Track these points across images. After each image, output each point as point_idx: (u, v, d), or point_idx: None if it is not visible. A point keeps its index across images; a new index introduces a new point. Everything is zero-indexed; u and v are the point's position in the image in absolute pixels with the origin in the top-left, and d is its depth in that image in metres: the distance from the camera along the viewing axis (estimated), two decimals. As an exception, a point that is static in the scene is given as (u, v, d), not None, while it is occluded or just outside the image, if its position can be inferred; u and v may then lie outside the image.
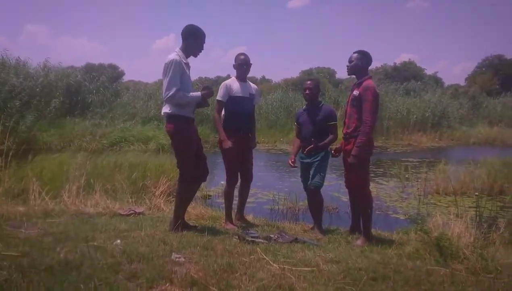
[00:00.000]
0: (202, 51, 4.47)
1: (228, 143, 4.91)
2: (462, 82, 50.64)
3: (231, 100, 5.00)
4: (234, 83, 5.05)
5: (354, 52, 4.63)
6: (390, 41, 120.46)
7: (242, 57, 5.09)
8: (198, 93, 4.30)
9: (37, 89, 17.19)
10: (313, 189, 5.00)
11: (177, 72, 4.15)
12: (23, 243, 3.56)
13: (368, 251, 4.12)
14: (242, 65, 5.08)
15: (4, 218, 4.62)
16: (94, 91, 20.32)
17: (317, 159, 5.01)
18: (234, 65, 5.13)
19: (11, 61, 19.28)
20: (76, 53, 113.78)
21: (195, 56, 4.44)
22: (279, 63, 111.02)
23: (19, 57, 19.74)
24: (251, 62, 5.15)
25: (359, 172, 4.52)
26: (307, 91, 5.13)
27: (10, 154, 5.71)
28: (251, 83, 5.26)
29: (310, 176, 5.02)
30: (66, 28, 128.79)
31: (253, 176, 5.35)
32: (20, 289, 2.58)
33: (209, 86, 4.55)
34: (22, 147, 7.01)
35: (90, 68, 28.93)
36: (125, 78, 44.73)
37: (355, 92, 4.49)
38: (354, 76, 4.68)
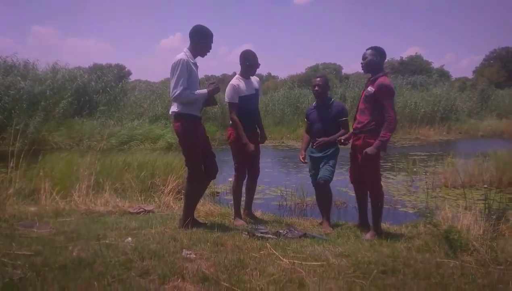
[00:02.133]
0: (210, 51, 4.49)
1: (251, 147, 4.93)
2: (470, 75, 50.35)
3: (241, 100, 4.99)
4: (240, 83, 5.02)
5: (368, 49, 4.61)
6: (397, 35, 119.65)
7: (252, 57, 5.06)
8: (205, 91, 4.33)
9: (46, 91, 17.28)
10: (323, 182, 5.02)
11: (185, 71, 4.18)
12: (36, 242, 3.63)
13: (378, 244, 4.13)
14: (254, 67, 5.10)
15: (16, 218, 4.68)
16: (101, 91, 20.41)
17: (327, 153, 5.04)
18: (241, 63, 5.09)
19: (19, 64, 19.44)
20: (83, 54, 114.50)
21: (203, 56, 4.47)
22: (285, 60, 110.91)
23: (28, 59, 19.90)
24: (259, 62, 5.15)
25: (372, 167, 4.52)
26: (316, 88, 5.13)
27: (22, 155, 5.76)
28: (252, 78, 5.20)
29: (320, 170, 5.04)
30: (74, 29, 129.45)
31: (261, 172, 5.39)
32: (34, 288, 2.63)
33: (215, 82, 4.57)
34: (32, 148, 7.07)
35: (97, 68, 29.07)
36: (132, 77, 45.13)
37: (370, 89, 4.48)
38: (369, 73, 4.64)
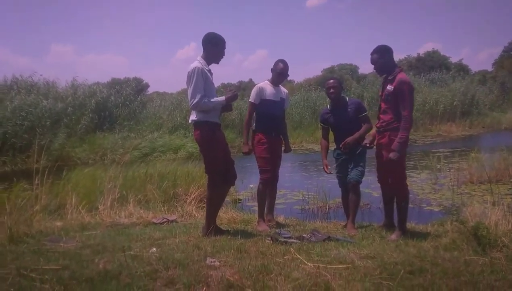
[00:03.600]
0: (223, 57, 4.52)
1: (246, 148, 5.16)
2: (490, 68, 49.34)
3: (263, 103, 5.14)
4: (266, 87, 5.18)
5: (372, 53, 4.60)
6: (412, 31, 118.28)
7: (281, 65, 5.20)
8: (223, 98, 4.36)
9: (68, 109, 17.64)
10: (354, 183, 4.98)
11: (200, 79, 4.21)
12: (63, 256, 3.68)
13: (404, 245, 4.06)
14: (281, 74, 5.22)
15: (43, 234, 4.76)
16: (121, 105, 20.72)
17: (355, 155, 5.00)
18: (272, 70, 5.24)
19: (40, 83, 19.93)
20: (101, 69, 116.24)
21: (217, 62, 4.51)
22: (301, 63, 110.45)
23: (48, 78, 20.40)
24: (288, 72, 5.27)
25: (397, 167, 4.47)
26: (331, 90, 5.10)
27: (46, 172, 5.88)
28: (282, 88, 5.37)
29: (349, 171, 5.00)
30: (91, 46, 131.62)
31: (282, 177, 5.42)
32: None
33: (234, 89, 4.61)
34: (56, 164, 7.20)
35: (115, 83, 29.51)
36: (150, 90, 45.57)
37: (389, 88, 4.44)
38: (385, 74, 4.61)
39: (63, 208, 6.12)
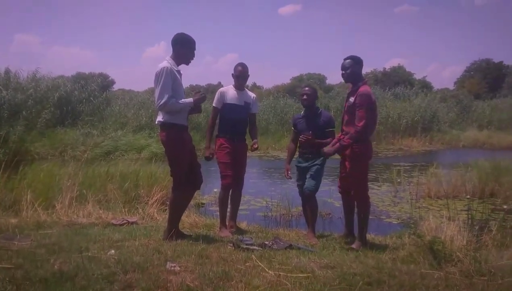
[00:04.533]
0: (193, 58, 4.49)
1: (207, 152, 5.15)
2: (451, 86, 51.20)
3: (225, 107, 5.14)
4: (229, 91, 5.19)
5: (346, 59, 4.67)
6: (380, 46, 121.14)
7: (239, 68, 5.22)
8: (191, 99, 4.31)
9: (28, 102, 17.05)
10: (308, 193, 5.02)
11: (169, 79, 4.15)
12: (16, 255, 3.54)
13: (363, 256, 4.14)
14: (239, 77, 5.22)
15: (-4, 230, 4.58)
16: (84, 100, 20.24)
17: (314, 164, 5.05)
18: (232, 74, 5.25)
19: (0, 72, 19.17)
20: (67, 62, 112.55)
21: (187, 64, 4.46)
22: (270, 70, 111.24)
23: (8, 68, 19.59)
24: (248, 73, 5.28)
25: (359, 177, 4.55)
26: (304, 97, 5.16)
27: (2, 165, 5.66)
28: (249, 92, 5.36)
29: (306, 181, 5.05)
30: (58, 37, 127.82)
31: (246, 183, 5.41)
32: (14, 302, 2.57)
33: (202, 91, 4.58)
34: (14, 158, 6.94)
35: (80, 77, 28.83)
36: (116, 86, 44.71)
37: (351, 99, 4.53)
38: (350, 82, 4.70)
39: (18, 204, 5.89)
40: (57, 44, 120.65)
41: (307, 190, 5.02)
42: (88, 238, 4.42)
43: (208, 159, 5.15)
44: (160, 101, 4.14)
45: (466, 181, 8.85)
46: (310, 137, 4.98)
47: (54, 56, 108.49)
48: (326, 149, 4.53)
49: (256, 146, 5.19)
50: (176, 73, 4.26)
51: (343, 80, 4.87)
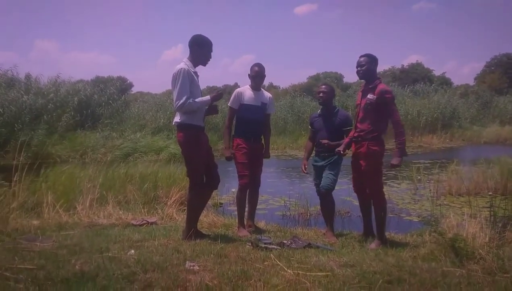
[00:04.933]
0: (210, 59, 4.50)
1: (228, 152, 5.14)
2: (472, 82, 50.34)
3: (242, 108, 5.12)
4: (246, 91, 5.16)
5: (362, 56, 4.65)
6: (398, 43, 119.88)
7: (256, 68, 5.19)
8: (208, 97, 4.33)
9: (48, 106, 17.35)
10: (324, 191, 5.00)
11: (186, 81, 4.18)
12: (39, 256, 3.61)
13: (383, 254, 4.10)
14: (255, 77, 5.19)
15: (19, 232, 4.67)
16: (104, 103, 20.50)
17: (330, 162, 5.02)
18: (248, 75, 5.22)
19: (20, 77, 19.57)
20: (85, 66, 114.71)
21: (204, 65, 4.48)
22: (286, 70, 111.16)
23: (29, 73, 20.01)
24: (265, 73, 5.25)
25: (374, 175, 4.52)
26: (321, 94, 5.14)
27: (25, 168, 5.76)
28: (265, 92, 5.34)
29: (322, 179, 5.02)
30: (76, 42, 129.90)
31: (264, 182, 5.40)
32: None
33: (219, 89, 4.60)
34: (35, 161, 7.06)
35: (99, 81, 29.23)
36: (134, 89, 45.32)
37: (371, 96, 4.50)
38: (364, 80, 4.69)
39: (40, 206, 6.00)
40: (75, 49, 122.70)
41: (323, 188, 5.00)
42: (109, 238, 4.48)
43: (229, 159, 5.14)
44: (179, 102, 4.17)
45: (488, 178, 8.69)
46: (325, 143, 5.01)
47: (72, 61, 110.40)
48: (395, 161, 4.43)
49: (268, 156, 5.36)
50: (193, 74, 4.28)
51: (358, 78, 4.85)
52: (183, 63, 4.28)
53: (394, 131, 4.47)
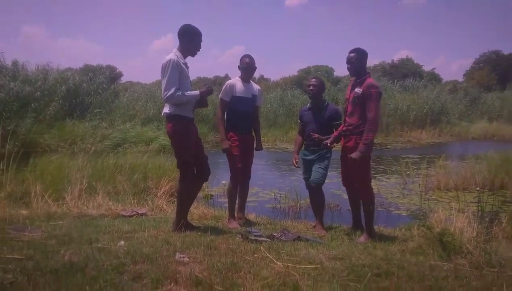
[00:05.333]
0: (199, 50, 4.46)
1: (226, 144, 5.04)
2: (461, 78, 50.73)
3: (234, 100, 5.07)
4: (237, 83, 5.12)
5: (351, 52, 4.64)
6: (388, 38, 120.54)
7: (247, 60, 5.16)
8: (197, 92, 4.30)
9: (36, 93, 17.13)
10: (314, 185, 5.01)
11: (175, 72, 4.15)
12: (27, 246, 3.58)
13: (371, 247, 4.14)
14: (246, 69, 5.15)
15: (8, 221, 4.63)
16: (93, 92, 20.29)
17: (320, 156, 5.04)
18: (239, 67, 5.19)
19: (7, 64, 19.27)
20: (74, 54, 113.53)
21: (193, 55, 4.44)
22: (277, 62, 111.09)
23: (16, 60, 19.68)
24: (255, 65, 5.22)
25: (362, 169, 4.53)
26: (311, 88, 5.14)
27: (12, 157, 5.70)
28: (254, 84, 5.30)
29: (312, 173, 5.04)
30: (64, 29, 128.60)
31: (254, 175, 5.41)
32: (25, 292, 2.59)
33: (209, 84, 4.57)
34: (23, 150, 7.00)
35: (88, 70, 28.88)
36: (123, 79, 44.91)
37: (358, 90, 4.50)
38: (355, 75, 4.68)
39: (28, 196, 5.95)
40: (63, 36, 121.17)
41: (313, 182, 5.01)
42: (98, 229, 4.45)
43: (227, 151, 5.04)
44: (167, 93, 4.14)
45: (476, 173, 8.79)
46: (316, 137, 5.02)
47: (60, 48, 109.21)
48: (355, 155, 4.38)
49: (260, 148, 5.37)
50: (182, 65, 4.25)
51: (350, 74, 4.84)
52: (173, 54, 4.24)
53: (366, 126, 4.39)
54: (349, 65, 4.66)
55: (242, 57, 5.21)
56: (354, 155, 4.41)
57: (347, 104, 4.72)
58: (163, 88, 4.19)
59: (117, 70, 46.78)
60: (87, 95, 20.05)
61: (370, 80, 4.51)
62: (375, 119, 4.41)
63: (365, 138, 4.39)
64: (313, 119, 5.15)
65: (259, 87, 5.38)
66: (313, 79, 5.24)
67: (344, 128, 4.71)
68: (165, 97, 4.17)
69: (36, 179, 6.26)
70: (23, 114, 15.72)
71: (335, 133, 4.89)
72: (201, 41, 4.45)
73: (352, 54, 4.63)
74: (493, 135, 23.54)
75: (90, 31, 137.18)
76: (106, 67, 35.55)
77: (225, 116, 5.18)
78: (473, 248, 3.66)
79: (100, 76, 22.33)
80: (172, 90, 4.12)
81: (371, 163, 4.71)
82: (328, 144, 4.86)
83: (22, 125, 14.80)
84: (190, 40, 4.36)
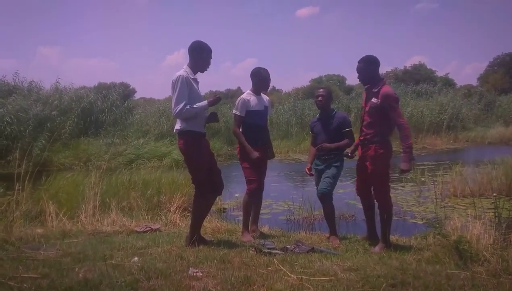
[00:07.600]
0: (209, 66, 4.51)
1: (256, 154, 5.00)
2: (475, 83, 50.20)
3: (249, 114, 5.08)
4: (250, 97, 5.12)
5: (359, 62, 4.64)
6: (400, 44, 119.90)
7: (264, 74, 5.17)
8: (205, 102, 4.31)
9: (52, 113, 17.38)
10: (320, 195, 5.03)
11: (184, 87, 4.19)
12: (43, 264, 3.61)
13: (387, 257, 4.08)
14: (263, 82, 5.18)
15: (23, 240, 4.67)
16: (107, 110, 20.54)
17: (330, 166, 5.03)
18: (252, 78, 5.18)
19: (23, 85, 19.64)
20: (88, 73, 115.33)
21: (202, 71, 4.49)
22: (289, 73, 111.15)
23: (32, 80, 20.09)
24: (270, 78, 5.24)
25: (381, 179, 4.50)
26: (319, 98, 5.17)
27: (27, 177, 5.78)
28: (264, 96, 5.33)
29: (320, 182, 5.03)
30: (78, 49, 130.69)
31: (267, 186, 5.41)
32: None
33: (217, 94, 4.60)
34: (38, 169, 7.07)
35: (101, 87, 29.26)
36: (137, 95, 45.38)
37: (375, 100, 4.47)
38: (368, 84, 4.66)
39: (44, 215, 6.01)
40: (77, 56, 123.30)
41: (319, 192, 5.03)
42: (112, 245, 4.48)
43: (259, 159, 5.02)
44: (177, 109, 4.18)
45: (492, 179, 8.64)
46: (325, 147, 5.03)
47: (74, 67, 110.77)
48: (403, 166, 4.40)
49: (273, 156, 5.38)
50: (192, 81, 4.29)
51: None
52: (183, 70, 4.29)
53: (400, 135, 4.41)
54: (358, 75, 4.67)
55: (257, 70, 5.19)
56: (403, 166, 4.40)
57: (363, 114, 4.69)
58: (173, 104, 4.23)
59: (131, 87, 47.28)
60: (101, 113, 20.29)
61: (385, 89, 4.45)
62: (405, 124, 4.42)
63: (405, 145, 4.38)
64: (322, 129, 5.16)
65: (268, 98, 5.41)
66: (321, 90, 5.27)
67: (361, 137, 4.69)
68: (175, 113, 4.21)
69: (51, 198, 6.34)
70: (38, 134, 15.95)
71: (356, 141, 4.88)
72: (211, 58, 4.49)
73: (359, 64, 4.63)
74: (510, 140, 23.18)
75: (103, 50, 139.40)
76: (119, 84, 36.03)
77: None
78: (490, 255, 3.60)
79: (114, 94, 22.59)
80: (181, 105, 4.16)
81: (389, 172, 4.67)
82: (349, 154, 4.86)
83: (37, 145, 15.00)
84: (200, 56, 4.41)
